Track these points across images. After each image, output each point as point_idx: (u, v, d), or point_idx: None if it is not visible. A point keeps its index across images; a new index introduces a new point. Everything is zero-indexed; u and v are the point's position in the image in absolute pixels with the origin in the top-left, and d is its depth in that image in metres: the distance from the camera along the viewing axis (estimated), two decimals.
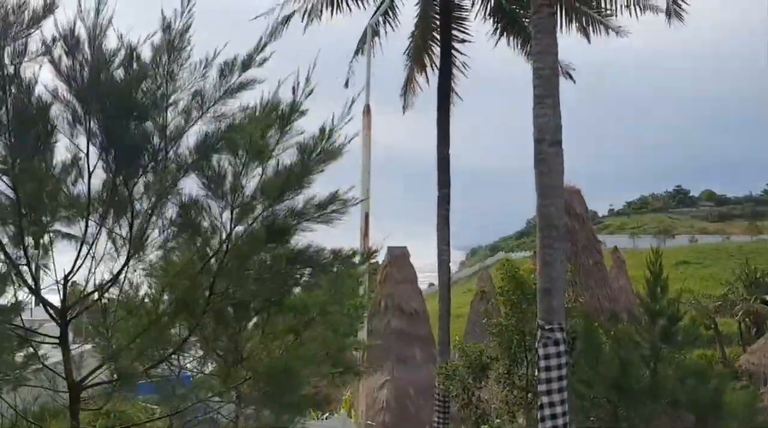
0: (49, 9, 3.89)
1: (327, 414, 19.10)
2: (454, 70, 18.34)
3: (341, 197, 4.16)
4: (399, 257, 26.48)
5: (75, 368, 4.51)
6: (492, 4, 17.68)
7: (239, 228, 3.90)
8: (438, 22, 18.19)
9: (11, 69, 3.76)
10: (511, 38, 17.92)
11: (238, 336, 4.81)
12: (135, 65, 4.08)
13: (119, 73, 4.09)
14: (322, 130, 3.95)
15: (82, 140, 4.09)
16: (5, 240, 4.19)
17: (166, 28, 3.99)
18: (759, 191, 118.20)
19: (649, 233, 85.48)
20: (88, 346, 4.95)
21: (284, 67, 4.50)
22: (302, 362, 3.90)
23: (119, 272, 4.35)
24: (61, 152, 4.18)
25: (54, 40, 3.83)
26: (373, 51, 17.16)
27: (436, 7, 18.21)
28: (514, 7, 17.88)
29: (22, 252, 4.27)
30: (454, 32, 18.21)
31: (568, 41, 16.76)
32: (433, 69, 18.57)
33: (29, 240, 4.37)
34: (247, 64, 4.26)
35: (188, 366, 6.61)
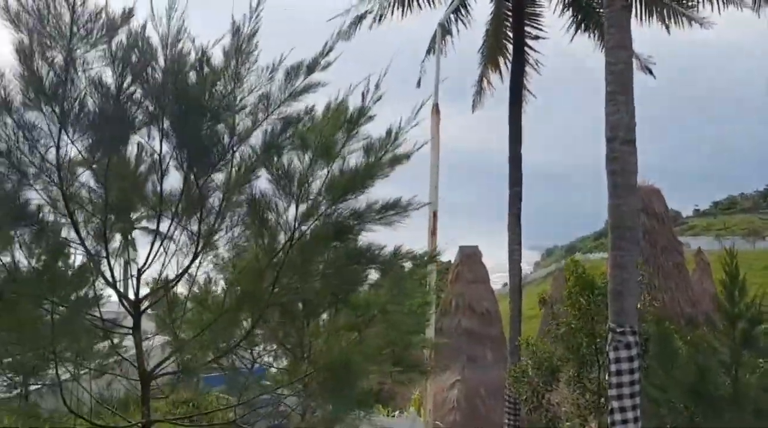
0: (126, 18, 4.10)
1: (397, 412, 19.28)
2: (527, 68, 18.13)
3: (403, 203, 4.22)
4: (470, 256, 26.31)
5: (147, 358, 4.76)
6: None
7: (304, 225, 4.02)
8: (511, 19, 17.98)
9: (92, 72, 4.01)
10: (588, 32, 17.48)
11: (303, 331, 4.93)
12: (206, 68, 4.27)
13: (191, 76, 4.29)
14: (389, 132, 4.03)
15: (155, 142, 4.30)
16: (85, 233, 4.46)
17: (235, 31, 4.15)
18: None
19: (737, 235, 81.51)
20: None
21: (355, 68, 4.59)
22: (362, 358, 3.98)
23: (188, 266, 4.57)
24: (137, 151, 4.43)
25: (130, 45, 4.04)
26: (444, 50, 17.15)
27: (509, 4, 17.99)
28: None
29: (103, 246, 4.54)
30: (528, 29, 17.97)
31: (649, 35, 16.26)
32: (507, 66, 18.36)
33: (112, 235, 4.65)
34: (312, 68, 4.39)
35: (260, 359, 6.85)
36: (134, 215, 4.74)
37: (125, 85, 4.02)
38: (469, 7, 17.91)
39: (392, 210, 4.07)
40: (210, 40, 4.23)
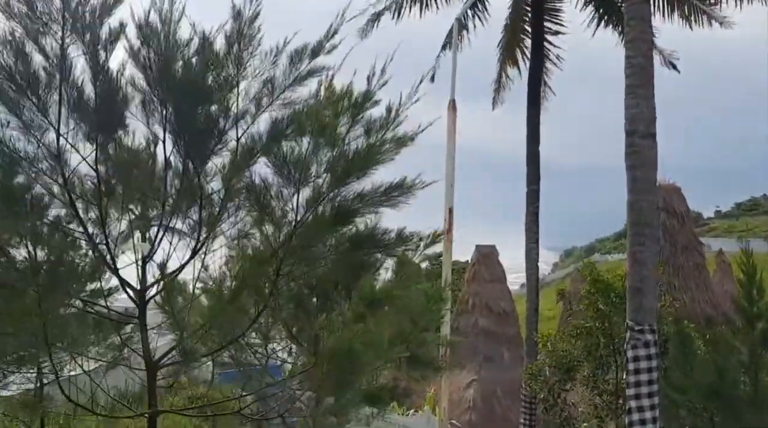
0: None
1: (411, 411, 19.14)
2: (548, 64, 17.92)
3: (408, 183, 4.09)
4: (487, 255, 26.12)
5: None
6: None
7: (307, 209, 3.91)
8: (530, 14, 17.76)
9: (90, 56, 3.92)
10: (610, 27, 17.22)
11: (309, 319, 4.83)
12: (207, 53, 4.17)
13: (193, 62, 4.20)
14: (389, 109, 3.90)
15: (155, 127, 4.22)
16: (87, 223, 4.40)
17: (236, 15, 4.06)
18: None
19: (759, 237, 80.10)
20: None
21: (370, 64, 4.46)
22: (367, 347, 3.86)
23: (193, 254, 4.48)
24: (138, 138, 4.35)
25: (127, 28, 3.96)
26: (461, 46, 16.99)
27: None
28: None
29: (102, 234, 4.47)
30: (547, 24, 17.74)
31: (672, 34, 15.99)
32: (525, 62, 18.15)
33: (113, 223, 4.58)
34: (317, 51, 4.27)
35: (274, 354, 6.76)
36: (135, 202, 4.67)
37: (121, 68, 3.93)
38: (486, 3, 17.74)
39: (397, 191, 3.94)
40: (212, 24, 4.14)
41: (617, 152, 9.41)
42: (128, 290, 4.61)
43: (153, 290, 4.63)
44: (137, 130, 4.24)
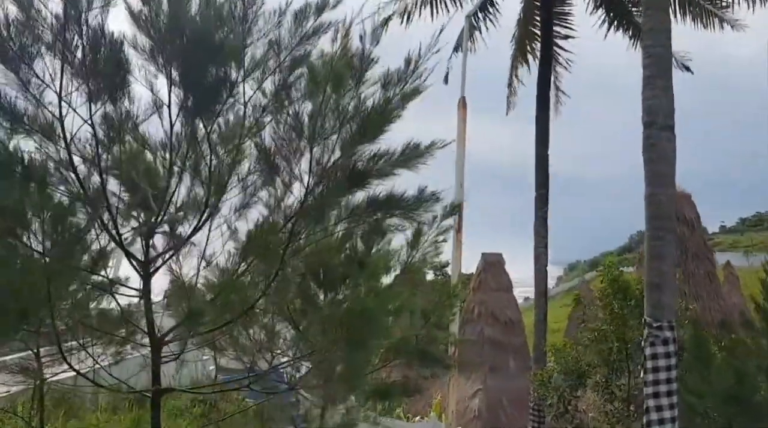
0: None
1: (417, 418, 18.81)
2: (559, 68, 17.81)
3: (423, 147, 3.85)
4: (493, 264, 25.84)
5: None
6: None
7: (321, 169, 3.67)
8: (539, 18, 17.65)
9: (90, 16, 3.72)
10: (622, 30, 17.10)
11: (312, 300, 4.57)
12: (211, 11, 3.97)
13: (197, 20, 3.99)
14: (408, 61, 3.65)
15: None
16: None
17: None
18: None
19: (765, 252, 79.51)
20: None
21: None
22: (380, 309, 3.60)
23: (200, 224, 4.24)
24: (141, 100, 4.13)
25: None
26: (472, 46, 16.85)
27: (537, 3, 17.66)
28: None
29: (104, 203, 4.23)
30: (557, 28, 17.63)
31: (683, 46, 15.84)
32: (535, 66, 18.01)
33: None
34: (321, 8, 4.07)
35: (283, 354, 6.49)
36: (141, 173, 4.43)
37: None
38: (497, 6, 17.63)
39: (414, 152, 3.69)
40: None
41: (624, 164, 9.20)
42: (132, 261, 4.38)
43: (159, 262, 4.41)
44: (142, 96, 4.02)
